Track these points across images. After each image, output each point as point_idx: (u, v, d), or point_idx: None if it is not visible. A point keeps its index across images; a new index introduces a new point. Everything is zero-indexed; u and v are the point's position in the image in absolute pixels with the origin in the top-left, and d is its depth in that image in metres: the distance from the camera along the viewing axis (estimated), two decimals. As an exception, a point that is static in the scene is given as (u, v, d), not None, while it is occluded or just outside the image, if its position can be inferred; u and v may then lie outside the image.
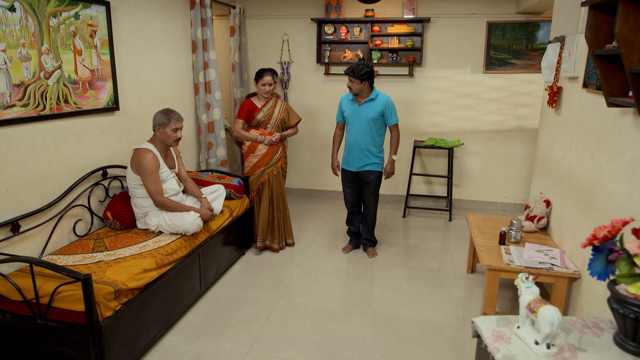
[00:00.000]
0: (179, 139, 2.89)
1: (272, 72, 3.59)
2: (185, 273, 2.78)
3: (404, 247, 3.97)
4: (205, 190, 3.24)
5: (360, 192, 3.69)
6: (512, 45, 4.58)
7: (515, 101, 4.73)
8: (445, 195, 5.02)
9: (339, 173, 3.77)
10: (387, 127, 3.55)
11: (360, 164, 3.55)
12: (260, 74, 3.57)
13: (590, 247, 1.35)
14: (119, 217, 2.86)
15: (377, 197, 3.68)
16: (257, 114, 3.62)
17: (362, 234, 3.84)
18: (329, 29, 4.89)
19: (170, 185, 2.89)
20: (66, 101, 2.67)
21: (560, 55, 2.89)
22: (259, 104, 3.65)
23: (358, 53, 4.89)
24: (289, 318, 2.82)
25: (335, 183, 4.97)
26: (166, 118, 2.80)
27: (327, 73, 5.04)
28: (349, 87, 3.41)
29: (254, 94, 3.73)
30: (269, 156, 3.67)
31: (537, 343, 1.34)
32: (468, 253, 3.52)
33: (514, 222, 2.87)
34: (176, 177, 3.00)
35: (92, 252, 2.52)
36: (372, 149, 3.50)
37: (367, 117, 3.44)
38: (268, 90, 3.58)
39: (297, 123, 3.81)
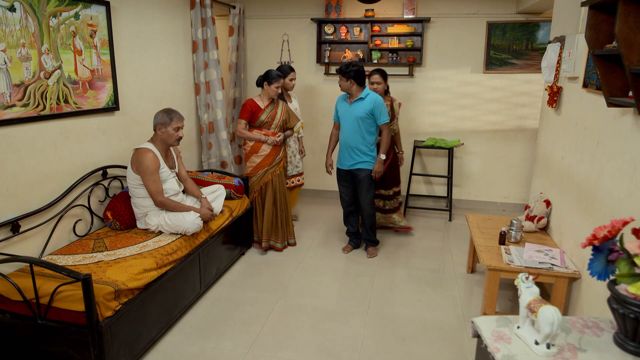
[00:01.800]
0: (180, 138, 2.89)
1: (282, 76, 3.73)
2: (185, 273, 2.78)
3: (404, 247, 3.97)
4: (205, 190, 3.24)
5: (355, 191, 3.70)
6: (512, 45, 4.58)
7: (515, 101, 4.73)
8: (445, 195, 5.02)
9: (332, 172, 3.81)
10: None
11: (350, 162, 3.57)
12: (277, 76, 3.59)
13: (590, 247, 1.35)
14: (119, 217, 2.86)
15: (372, 195, 3.66)
16: (261, 115, 3.62)
17: (362, 233, 3.84)
18: (329, 29, 4.89)
19: (171, 185, 2.89)
20: (66, 101, 2.67)
21: (560, 55, 2.89)
22: (262, 105, 3.65)
23: (358, 53, 4.89)
24: (289, 318, 2.82)
25: (335, 183, 4.96)
26: (168, 117, 2.80)
27: (327, 73, 5.04)
28: (339, 84, 3.49)
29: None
30: (272, 156, 3.67)
31: (537, 343, 1.34)
32: (468, 253, 3.52)
33: (514, 222, 2.87)
34: (176, 177, 3.00)
35: (92, 252, 2.52)
36: (361, 147, 3.50)
37: (356, 115, 3.46)
38: (279, 92, 3.68)
39: (295, 124, 3.85)
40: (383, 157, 3.54)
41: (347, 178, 3.66)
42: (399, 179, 4.19)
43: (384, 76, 3.83)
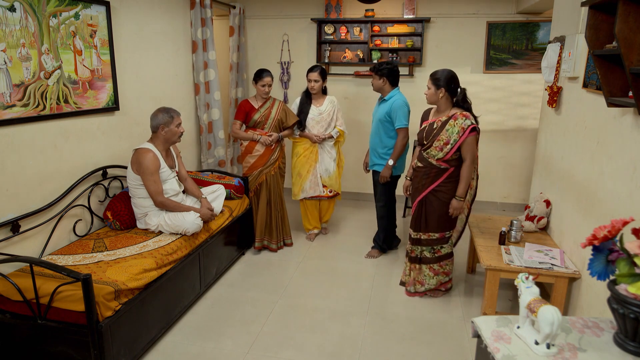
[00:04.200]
0: (182, 132, 2.92)
1: (270, 74, 3.62)
2: (185, 273, 2.78)
3: (404, 247, 3.96)
4: (205, 190, 3.24)
5: None
6: (512, 45, 4.58)
7: (515, 101, 4.73)
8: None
9: (368, 171, 3.79)
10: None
11: (370, 162, 3.61)
12: (259, 74, 3.57)
13: (590, 247, 1.35)
14: (119, 217, 2.86)
15: (385, 199, 3.61)
16: (254, 115, 3.62)
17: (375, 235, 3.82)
18: (329, 29, 4.89)
19: (171, 186, 2.89)
20: (66, 101, 2.67)
21: (560, 55, 2.89)
22: (256, 105, 3.65)
23: (358, 53, 4.89)
24: (289, 318, 2.82)
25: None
26: (168, 116, 2.81)
27: (327, 73, 5.03)
28: (372, 84, 3.47)
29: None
30: (266, 157, 3.67)
31: (537, 343, 1.34)
32: (468, 253, 3.51)
33: (514, 222, 2.87)
34: (176, 178, 3.00)
35: (92, 252, 2.52)
36: (379, 150, 3.49)
37: (377, 117, 3.45)
38: (267, 91, 3.60)
39: (295, 124, 3.81)
40: (390, 162, 3.43)
41: (374, 178, 3.68)
42: (435, 225, 2.93)
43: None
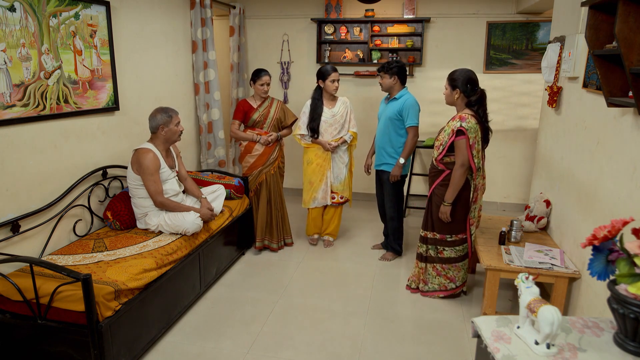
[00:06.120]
0: (182, 131, 2.92)
1: (268, 73, 3.61)
2: (185, 273, 2.78)
3: (404, 247, 3.96)
4: (205, 190, 3.24)
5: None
6: (512, 45, 4.58)
7: (515, 101, 4.73)
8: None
9: (370, 172, 3.78)
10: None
11: (377, 162, 3.57)
12: (257, 73, 3.57)
13: (590, 247, 1.35)
14: (119, 217, 2.86)
15: (395, 200, 3.55)
16: (253, 114, 3.62)
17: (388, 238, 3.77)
18: (329, 29, 4.89)
19: (171, 186, 2.89)
20: (66, 101, 2.67)
21: (560, 55, 2.89)
22: (254, 104, 3.65)
23: (358, 53, 4.89)
24: (289, 318, 2.82)
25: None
26: (167, 116, 2.81)
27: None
28: (380, 84, 3.44)
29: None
30: (265, 156, 3.66)
31: (537, 343, 1.34)
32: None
33: (514, 222, 2.87)
34: (177, 178, 3.00)
35: (92, 252, 2.52)
36: (388, 148, 3.46)
37: (387, 116, 3.42)
38: (266, 90, 3.60)
39: (293, 122, 3.80)
40: (402, 161, 3.38)
41: (378, 179, 3.66)
42: (436, 225, 2.93)
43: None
